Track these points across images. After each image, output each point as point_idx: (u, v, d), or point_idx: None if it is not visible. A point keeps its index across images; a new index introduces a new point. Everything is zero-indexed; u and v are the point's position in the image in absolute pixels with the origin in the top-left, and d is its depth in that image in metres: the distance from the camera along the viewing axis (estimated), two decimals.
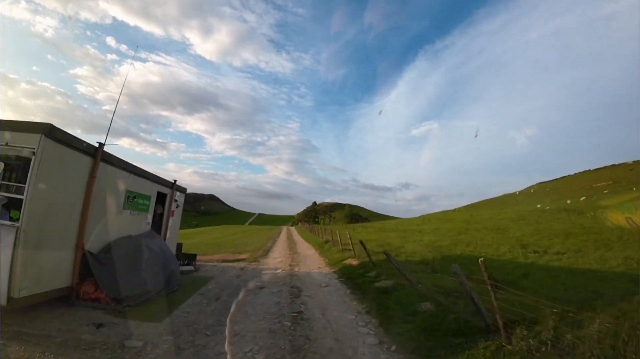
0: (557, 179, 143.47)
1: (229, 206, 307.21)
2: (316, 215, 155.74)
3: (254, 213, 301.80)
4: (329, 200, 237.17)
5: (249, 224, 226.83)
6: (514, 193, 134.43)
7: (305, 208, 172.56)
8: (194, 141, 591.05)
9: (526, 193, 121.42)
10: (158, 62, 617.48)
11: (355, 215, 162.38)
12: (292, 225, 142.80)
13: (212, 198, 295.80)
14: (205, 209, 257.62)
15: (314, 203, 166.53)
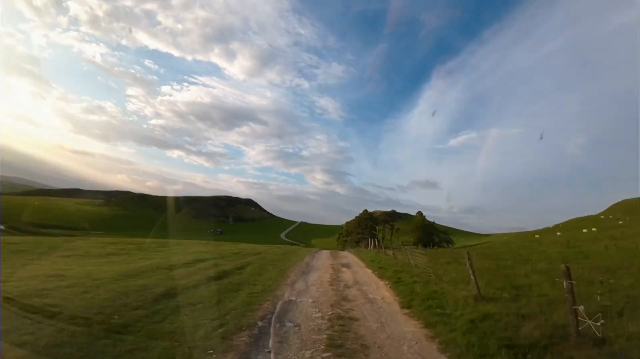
0: None
1: (268, 213, 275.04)
2: (373, 226, 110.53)
3: (296, 222, 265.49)
4: (372, 209, 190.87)
5: (285, 235, 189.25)
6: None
7: (355, 217, 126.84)
8: (235, 152, 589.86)
9: None
10: (193, 83, 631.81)
11: (429, 227, 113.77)
12: (340, 244, 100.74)
13: (248, 203, 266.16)
14: (239, 215, 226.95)
15: (365, 210, 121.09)
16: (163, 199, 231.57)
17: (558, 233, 49.19)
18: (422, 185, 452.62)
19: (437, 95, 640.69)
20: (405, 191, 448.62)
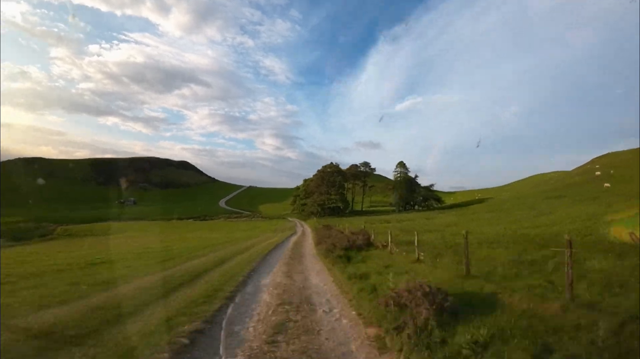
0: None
1: (209, 177, 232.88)
2: (341, 182, 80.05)
3: (242, 186, 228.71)
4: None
5: (226, 202, 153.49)
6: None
7: (316, 171, 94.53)
8: (176, 117, 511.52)
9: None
10: (124, 41, 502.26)
11: (412, 182, 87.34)
12: (296, 209, 76.08)
13: (183, 165, 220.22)
14: (167, 179, 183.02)
15: (331, 163, 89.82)
16: (63, 164, 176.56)
17: None
18: (365, 146, 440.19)
19: (384, 60, 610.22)
20: (349, 153, 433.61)
